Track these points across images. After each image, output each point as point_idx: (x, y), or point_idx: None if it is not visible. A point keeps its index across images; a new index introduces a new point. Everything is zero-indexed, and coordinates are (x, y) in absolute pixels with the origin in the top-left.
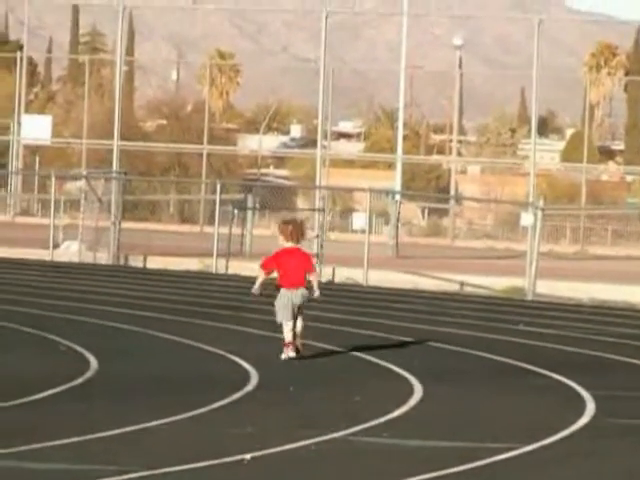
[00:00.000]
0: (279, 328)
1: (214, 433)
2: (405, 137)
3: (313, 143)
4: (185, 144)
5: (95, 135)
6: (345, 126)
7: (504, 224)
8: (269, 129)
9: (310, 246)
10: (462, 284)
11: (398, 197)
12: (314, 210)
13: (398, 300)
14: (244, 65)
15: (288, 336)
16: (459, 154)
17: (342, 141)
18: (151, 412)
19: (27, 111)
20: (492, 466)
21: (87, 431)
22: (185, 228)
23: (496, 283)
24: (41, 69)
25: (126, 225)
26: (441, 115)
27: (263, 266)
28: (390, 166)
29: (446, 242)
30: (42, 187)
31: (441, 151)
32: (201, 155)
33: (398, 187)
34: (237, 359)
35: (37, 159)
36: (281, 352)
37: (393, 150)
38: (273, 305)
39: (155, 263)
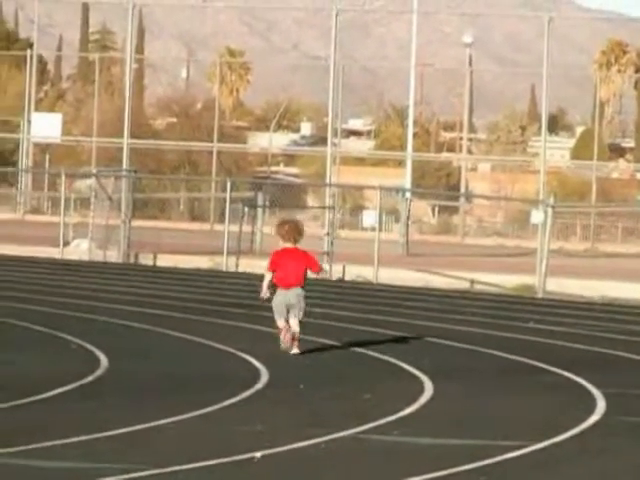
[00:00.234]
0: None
1: (224, 431)
2: (415, 135)
3: (323, 141)
4: (195, 142)
5: (105, 133)
6: (355, 124)
7: (514, 222)
8: (279, 127)
9: (320, 244)
10: (472, 282)
11: (408, 195)
12: (324, 208)
13: (408, 298)
14: (254, 63)
15: (285, 338)
16: (469, 152)
17: (352, 139)
18: (161, 410)
19: (37, 109)
20: (503, 464)
21: (96, 429)
22: (195, 226)
23: (506, 281)
24: (51, 67)
25: (136, 223)
26: (451, 113)
27: (269, 268)
28: (400, 164)
29: (456, 240)
30: (52, 185)
31: (451, 149)
32: (211, 153)
33: (408, 185)
34: (247, 357)
35: (47, 157)
36: (280, 342)
37: (403, 148)
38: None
39: (165, 261)
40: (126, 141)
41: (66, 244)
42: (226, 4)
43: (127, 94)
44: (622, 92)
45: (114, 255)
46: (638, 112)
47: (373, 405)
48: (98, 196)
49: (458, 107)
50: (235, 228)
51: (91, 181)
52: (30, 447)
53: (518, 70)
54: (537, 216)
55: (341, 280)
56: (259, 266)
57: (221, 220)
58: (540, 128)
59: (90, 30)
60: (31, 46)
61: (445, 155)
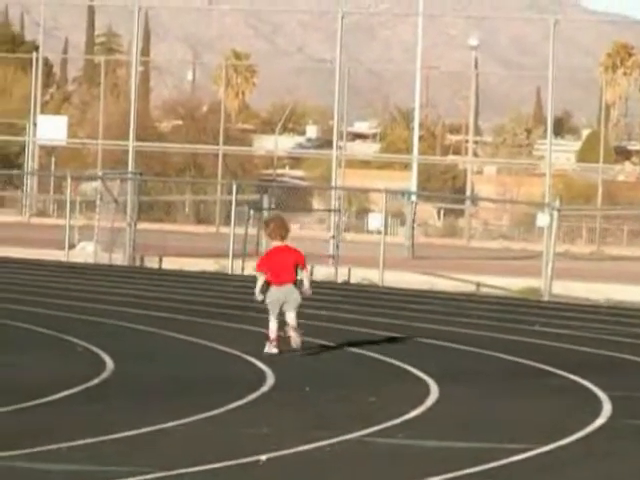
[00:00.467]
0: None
1: (229, 434)
2: (421, 138)
3: (329, 144)
4: (201, 145)
5: (111, 136)
6: (361, 127)
7: (520, 225)
8: (285, 129)
9: (326, 247)
10: (478, 285)
11: (414, 198)
12: (330, 211)
13: (414, 301)
14: (260, 65)
15: (273, 333)
16: (475, 155)
17: (358, 142)
18: (167, 413)
19: (43, 112)
20: (508, 467)
21: (102, 432)
22: (201, 229)
23: (512, 284)
24: (57, 70)
25: (142, 226)
26: (457, 115)
27: (258, 268)
28: (406, 167)
29: (462, 243)
30: (58, 188)
31: (457, 152)
32: (217, 156)
33: (414, 188)
34: (253, 359)
35: (53, 160)
36: (265, 346)
37: (409, 151)
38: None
39: (171, 264)
40: (132, 144)
41: (72, 247)
42: (232, 7)
43: (133, 97)
44: (628, 95)
45: (120, 258)
46: None
47: (378, 408)
48: (104, 199)
49: (464, 110)
50: (241, 231)
51: (97, 184)
52: (36, 450)
53: (524, 73)
54: (543, 219)
55: (347, 283)
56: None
57: (227, 223)
58: (546, 131)
59: (96, 33)
60: (37, 49)
61: (451, 158)
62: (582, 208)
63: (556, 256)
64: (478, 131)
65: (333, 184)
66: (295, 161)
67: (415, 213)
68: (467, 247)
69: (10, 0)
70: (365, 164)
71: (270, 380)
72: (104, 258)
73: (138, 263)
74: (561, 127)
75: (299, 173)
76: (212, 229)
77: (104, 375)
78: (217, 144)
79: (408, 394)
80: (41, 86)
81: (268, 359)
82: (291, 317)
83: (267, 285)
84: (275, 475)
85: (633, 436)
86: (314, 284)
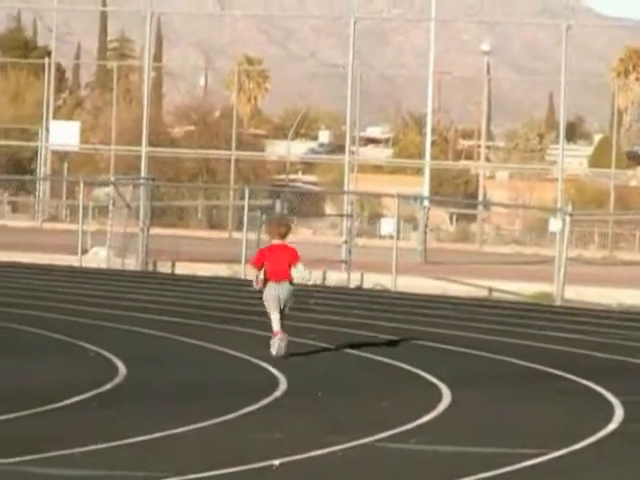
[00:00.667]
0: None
1: (242, 439)
2: (433, 143)
3: (341, 149)
4: (213, 150)
5: (123, 141)
6: (373, 132)
7: (532, 230)
8: (297, 135)
9: (338, 252)
10: (490, 290)
11: (426, 203)
12: (342, 216)
13: (426, 306)
14: (272, 71)
15: (276, 326)
16: (487, 160)
17: (370, 147)
18: (179, 418)
19: (55, 117)
20: (521, 472)
21: (115, 437)
22: (213, 234)
23: (524, 289)
24: (69, 75)
25: (154, 231)
26: (469, 121)
27: (252, 264)
28: (418, 172)
29: (474, 248)
30: (70, 193)
31: (469, 157)
32: (229, 161)
33: (426, 193)
34: (266, 365)
35: (65, 165)
36: (270, 346)
37: (421, 156)
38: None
39: (183, 269)
40: (144, 149)
41: (84, 252)
42: (244, 12)
43: (145, 102)
44: None
45: (132, 263)
46: None
47: (391, 413)
48: (116, 204)
49: (476, 115)
50: (253, 236)
51: (109, 189)
52: (49, 455)
53: (536, 78)
54: (555, 224)
55: (359, 288)
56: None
57: (239, 228)
58: (558, 136)
59: (108, 38)
60: (49, 54)
61: (463, 163)
62: (594, 213)
63: (568, 261)
64: (490, 136)
65: (345, 189)
66: (307, 166)
67: (427, 218)
68: (479, 252)
69: (23, 6)
70: (377, 169)
71: (283, 385)
72: (117, 263)
73: (151, 268)
74: (573, 132)
75: (311, 178)
76: (225, 234)
77: (116, 380)
78: (229, 149)
79: (420, 399)
80: (54, 91)
81: (281, 364)
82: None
83: (265, 281)
84: None
85: None
86: (326, 289)
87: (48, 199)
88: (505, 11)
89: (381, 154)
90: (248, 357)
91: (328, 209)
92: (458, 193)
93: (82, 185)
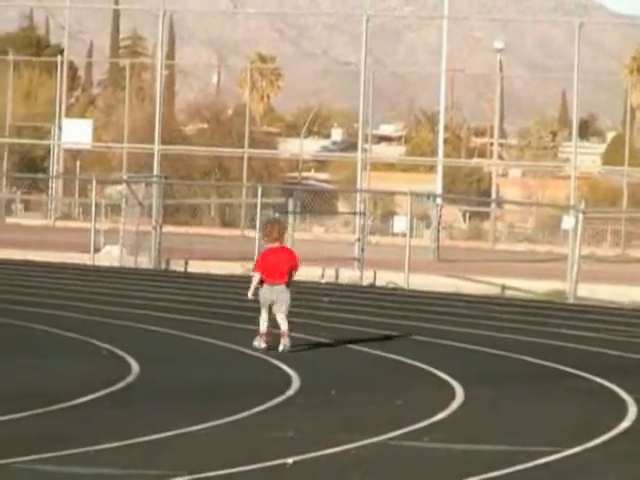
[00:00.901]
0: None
1: (256, 437)
2: (446, 140)
3: (354, 146)
4: (226, 148)
5: (136, 139)
6: (386, 129)
7: (545, 227)
8: (310, 133)
9: (351, 250)
10: (503, 287)
11: (439, 200)
12: (355, 213)
13: (439, 304)
14: (285, 69)
15: (263, 326)
16: (500, 157)
17: (383, 144)
18: (192, 416)
19: (68, 115)
20: (534, 470)
21: (128, 436)
22: (226, 232)
23: (537, 286)
24: (82, 73)
25: (167, 229)
26: (482, 118)
27: (255, 269)
28: (431, 169)
29: (487, 245)
30: (83, 191)
31: (482, 154)
32: (242, 159)
33: (439, 190)
34: (279, 363)
35: (78, 163)
36: (254, 339)
37: (434, 153)
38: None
39: (196, 267)
40: (157, 147)
41: (97, 250)
42: (257, 10)
43: (158, 100)
44: None
45: (145, 261)
46: None
47: (404, 411)
48: (129, 202)
49: (489, 112)
50: None
51: (122, 187)
52: (62, 453)
53: (549, 75)
54: (568, 222)
55: (372, 286)
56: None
57: (252, 226)
58: (571, 134)
59: (121, 36)
60: (62, 52)
61: (476, 161)
62: (607, 211)
63: (581, 259)
64: (503, 134)
65: (358, 187)
66: (320, 164)
67: (440, 216)
68: (492, 250)
69: (35, 4)
70: (390, 167)
71: (296, 383)
72: (129, 261)
73: (164, 266)
74: (586, 130)
75: (324, 176)
76: (237, 232)
77: (129, 379)
78: (242, 147)
79: (434, 397)
80: (66, 89)
81: (294, 363)
82: (282, 318)
83: (261, 283)
84: (302, 478)
85: None
86: (339, 287)
87: (61, 197)
88: (518, 9)
89: (394, 152)
90: (261, 355)
91: (341, 207)
92: (471, 191)
93: (95, 183)
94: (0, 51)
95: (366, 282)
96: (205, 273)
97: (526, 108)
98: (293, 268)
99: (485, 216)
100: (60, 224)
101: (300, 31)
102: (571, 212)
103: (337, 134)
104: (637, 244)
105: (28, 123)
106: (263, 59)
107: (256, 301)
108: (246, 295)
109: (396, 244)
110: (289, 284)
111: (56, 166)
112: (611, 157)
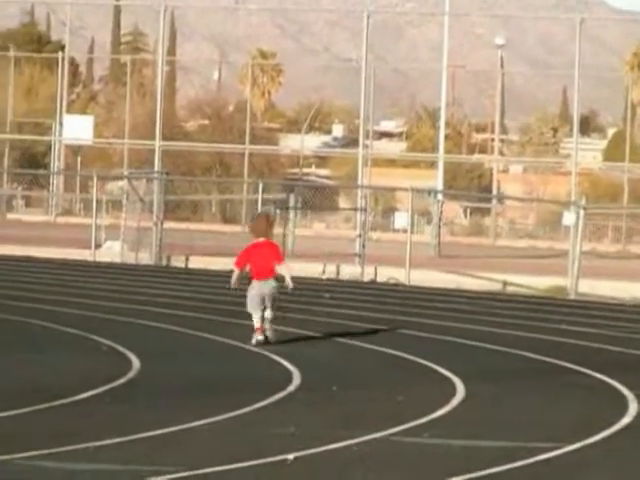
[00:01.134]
0: (249, 316)
1: (256, 433)
2: (447, 136)
3: (355, 142)
4: (227, 144)
5: (137, 135)
6: (387, 125)
7: (546, 223)
8: (311, 129)
9: (352, 246)
10: (504, 283)
11: (440, 196)
12: (356, 210)
13: (440, 300)
14: (286, 65)
15: (257, 323)
16: (501, 153)
17: (384, 140)
18: (193, 412)
19: (69, 111)
20: (535, 466)
21: (129, 432)
22: (227, 228)
23: (538, 282)
24: (83, 69)
25: (168, 225)
26: (483, 114)
27: (236, 264)
28: (432, 165)
29: (488, 241)
30: (84, 187)
31: (483, 150)
32: (243, 155)
33: (440, 186)
34: (280, 359)
35: (79, 159)
36: (252, 338)
37: (435, 149)
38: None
39: (197, 263)
40: (158, 143)
41: (98, 246)
42: (258, 6)
43: (159, 96)
44: None
45: (146, 257)
46: None
47: (405, 407)
48: (130, 198)
49: (490, 109)
50: None
51: (123, 183)
52: (62, 449)
53: (550, 72)
54: (569, 218)
55: (373, 282)
56: (291, 268)
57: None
58: (572, 130)
59: (122, 32)
60: (63, 48)
61: (477, 157)
62: (608, 207)
63: (582, 255)
64: (504, 130)
65: (359, 183)
66: (321, 160)
67: (441, 212)
68: (493, 246)
69: (36, 0)
70: (391, 163)
71: (297, 380)
72: (130, 257)
73: (165, 262)
74: (587, 126)
75: (325, 172)
76: (238, 228)
77: (130, 375)
78: (243, 143)
79: (434, 393)
80: (67, 86)
81: (295, 358)
82: (268, 313)
83: (249, 280)
84: (302, 474)
85: None
86: (340, 283)
87: (62, 193)
88: (519, 5)
89: (395, 148)
90: (262, 351)
91: (342, 203)
92: (472, 187)
93: (96, 179)
94: (1, 47)
95: (367, 278)
96: (206, 269)
97: (527, 104)
98: (277, 262)
99: (486, 212)
100: (61, 220)
101: (301, 27)
102: (572, 208)
103: (338, 130)
104: (638, 240)
105: (29, 119)
106: (264, 55)
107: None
108: (244, 290)
109: (397, 240)
110: (278, 278)
111: (57, 162)
112: (612, 153)
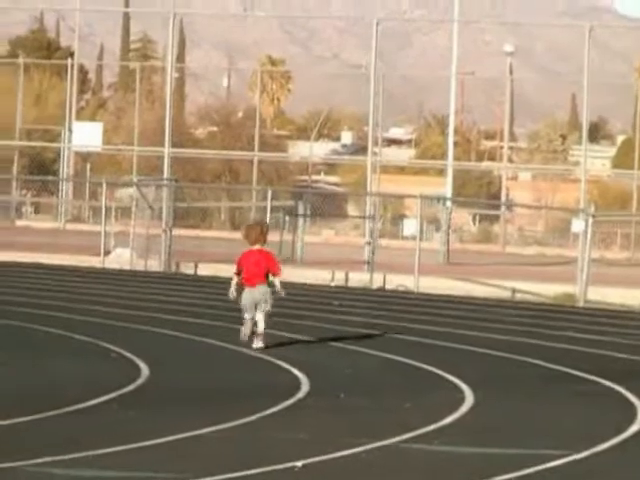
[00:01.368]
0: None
1: (265, 440)
2: (456, 143)
3: (364, 150)
4: (236, 151)
5: (146, 142)
6: (396, 132)
7: (555, 230)
8: (320, 136)
9: (361, 253)
10: (513, 291)
11: (449, 203)
12: (365, 217)
13: (449, 307)
14: (295, 72)
15: (246, 330)
16: (510, 160)
17: (393, 147)
18: (202, 419)
19: (78, 118)
20: (543, 473)
21: (137, 439)
22: (236, 235)
23: (547, 290)
24: (92, 76)
25: (177, 232)
26: (492, 121)
27: (235, 272)
28: (441, 172)
29: (497, 249)
30: (93, 194)
31: (492, 157)
32: (252, 162)
33: (449, 193)
34: (288, 366)
35: (88, 166)
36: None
37: (444, 156)
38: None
39: (206, 270)
40: (167, 150)
41: (107, 253)
42: (267, 13)
43: (168, 103)
44: None
45: (155, 264)
46: None
47: (414, 414)
48: (139, 205)
49: (499, 116)
50: (276, 237)
51: (132, 190)
52: (71, 456)
53: (559, 79)
54: (578, 225)
55: (382, 289)
56: (301, 275)
57: None
58: (581, 137)
59: (131, 39)
60: (72, 55)
61: (486, 164)
62: (617, 214)
63: (591, 262)
64: (513, 137)
65: (368, 190)
66: (330, 167)
67: (450, 219)
68: (502, 253)
69: (46, 7)
70: (400, 170)
71: (305, 387)
72: (139, 264)
73: (174, 269)
74: (596, 133)
75: (334, 179)
76: None
77: (139, 381)
78: (252, 150)
79: (443, 400)
80: (76, 92)
81: (303, 365)
82: (260, 319)
83: (241, 287)
84: None
85: None
86: (349, 290)
87: (71, 200)
88: (528, 12)
89: (404, 155)
90: (271, 359)
91: (351, 210)
92: (481, 194)
93: (105, 186)
94: (10, 54)
95: (376, 285)
96: (215, 276)
97: (536, 111)
98: (271, 270)
99: (495, 219)
100: (70, 227)
101: (310, 34)
102: (581, 215)
103: (347, 137)
104: None
105: (38, 126)
106: (273, 62)
107: (277, 300)
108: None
109: (406, 247)
110: (269, 284)
111: (66, 169)
112: (621, 160)
